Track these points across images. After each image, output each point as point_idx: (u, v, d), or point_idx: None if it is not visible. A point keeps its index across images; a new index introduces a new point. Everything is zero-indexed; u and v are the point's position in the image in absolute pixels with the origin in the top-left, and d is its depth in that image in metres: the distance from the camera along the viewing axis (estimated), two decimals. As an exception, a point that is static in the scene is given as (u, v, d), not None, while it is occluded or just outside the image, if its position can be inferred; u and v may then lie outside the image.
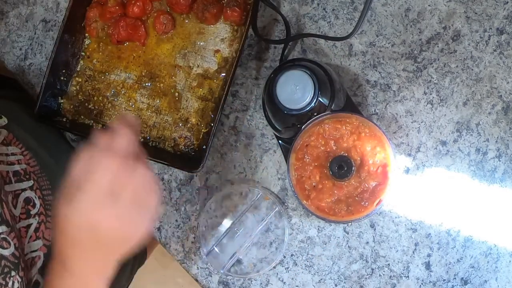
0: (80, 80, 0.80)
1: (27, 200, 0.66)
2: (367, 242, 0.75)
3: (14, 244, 0.58)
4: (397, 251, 0.74)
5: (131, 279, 1.17)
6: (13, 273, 0.56)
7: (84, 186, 0.49)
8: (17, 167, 0.68)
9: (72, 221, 0.50)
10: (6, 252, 0.56)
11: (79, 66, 0.80)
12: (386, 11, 0.75)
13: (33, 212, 0.66)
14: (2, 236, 0.57)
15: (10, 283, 0.55)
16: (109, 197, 0.49)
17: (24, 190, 0.66)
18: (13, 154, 0.69)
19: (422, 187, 0.74)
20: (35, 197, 0.68)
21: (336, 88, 0.68)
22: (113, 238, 0.51)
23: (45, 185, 0.70)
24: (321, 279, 0.76)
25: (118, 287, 1.05)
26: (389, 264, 0.74)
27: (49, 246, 0.66)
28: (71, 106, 0.80)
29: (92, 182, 0.49)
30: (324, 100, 0.66)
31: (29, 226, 0.66)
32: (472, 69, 0.74)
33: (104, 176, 0.49)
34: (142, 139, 0.78)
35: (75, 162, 0.51)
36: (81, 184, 0.49)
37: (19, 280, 0.57)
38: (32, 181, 0.68)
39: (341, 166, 0.66)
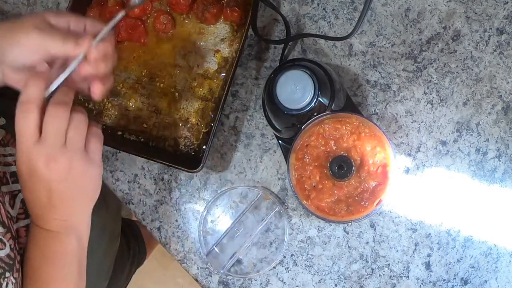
0: (80, 80, 0.80)
1: (24, 201, 0.66)
2: (367, 242, 0.75)
3: (10, 245, 0.58)
4: (397, 251, 0.74)
5: (130, 279, 1.17)
6: (7, 274, 0.56)
7: (17, 139, 0.53)
8: (14, 168, 0.68)
9: (18, 167, 0.55)
10: (1, 253, 0.56)
11: (79, 66, 0.80)
12: (386, 11, 0.75)
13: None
14: None
15: (4, 284, 0.55)
16: (39, 144, 0.53)
17: (21, 190, 0.66)
18: (10, 155, 0.69)
19: (422, 187, 0.74)
20: None
21: (336, 88, 0.68)
22: (64, 185, 0.55)
23: None
24: (321, 279, 0.76)
25: (116, 286, 1.05)
26: (389, 264, 0.74)
27: None
28: (71, 106, 0.80)
29: (17, 135, 0.53)
30: (324, 100, 0.66)
31: (28, 226, 0.66)
32: (472, 69, 0.74)
33: (25, 127, 0.53)
34: (142, 139, 0.78)
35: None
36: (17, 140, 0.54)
37: (13, 281, 0.56)
38: None
39: (341, 166, 0.66)
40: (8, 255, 0.57)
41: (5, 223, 0.59)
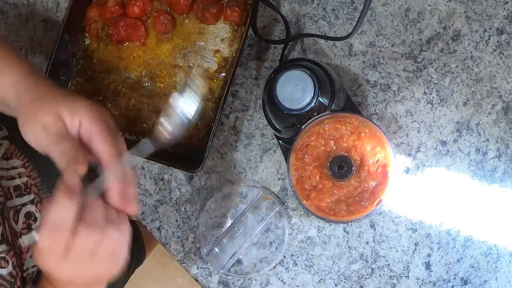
0: (80, 80, 0.80)
1: (28, 215, 0.66)
2: (367, 242, 0.75)
3: (12, 263, 0.58)
4: (397, 251, 0.74)
5: (128, 278, 1.17)
6: None
7: (41, 250, 0.51)
8: (17, 181, 0.67)
9: (38, 264, 0.52)
10: (3, 272, 0.56)
11: (79, 66, 0.80)
12: (386, 11, 0.75)
13: (34, 226, 0.66)
14: (1, 255, 0.57)
15: None
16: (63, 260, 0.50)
17: (24, 204, 0.66)
18: (13, 168, 0.68)
19: (422, 187, 0.74)
20: (36, 211, 0.67)
21: (336, 88, 0.68)
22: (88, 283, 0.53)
23: (46, 198, 0.70)
24: (321, 279, 0.76)
25: (115, 286, 1.05)
26: (389, 264, 0.74)
27: None
28: (71, 106, 0.80)
29: (42, 249, 0.50)
30: (324, 100, 0.66)
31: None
32: (472, 69, 0.74)
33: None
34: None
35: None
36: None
37: None
38: (32, 194, 0.68)
39: (341, 166, 0.66)
40: (10, 273, 0.57)
41: (9, 241, 0.59)
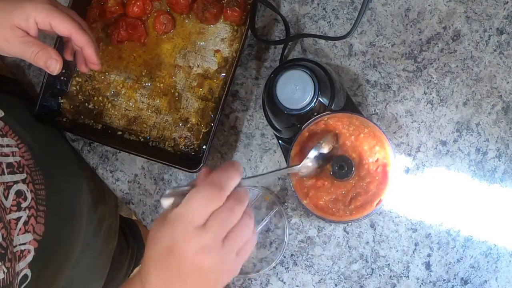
0: (80, 80, 0.80)
1: (19, 193, 0.66)
2: (367, 242, 0.75)
3: (2, 235, 0.58)
4: (397, 251, 0.74)
5: (128, 278, 1.17)
6: None
7: (179, 213, 0.51)
8: (11, 159, 0.67)
9: (155, 234, 0.52)
10: None
11: (79, 66, 0.79)
12: (386, 11, 0.75)
13: (23, 205, 0.66)
14: None
15: None
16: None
17: (16, 182, 0.66)
18: (8, 145, 0.68)
19: (422, 187, 0.74)
20: (27, 191, 0.67)
21: (336, 88, 0.68)
22: (198, 278, 0.52)
23: (38, 179, 0.70)
24: (321, 279, 0.76)
25: (114, 285, 1.05)
26: (389, 264, 0.74)
27: (40, 241, 0.66)
28: (71, 106, 0.80)
29: (183, 211, 0.51)
30: (324, 100, 0.66)
31: (19, 218, 0.65)
32: (472, 69, 0.74)
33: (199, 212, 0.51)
34: (142, 139, 0.78)
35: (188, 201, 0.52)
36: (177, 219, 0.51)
37: (5, 270, 0.56)
38: (25, 174, 0.68)
39: (342, 166, 0.65)
40: (0, 245, 0.57)
41: None
